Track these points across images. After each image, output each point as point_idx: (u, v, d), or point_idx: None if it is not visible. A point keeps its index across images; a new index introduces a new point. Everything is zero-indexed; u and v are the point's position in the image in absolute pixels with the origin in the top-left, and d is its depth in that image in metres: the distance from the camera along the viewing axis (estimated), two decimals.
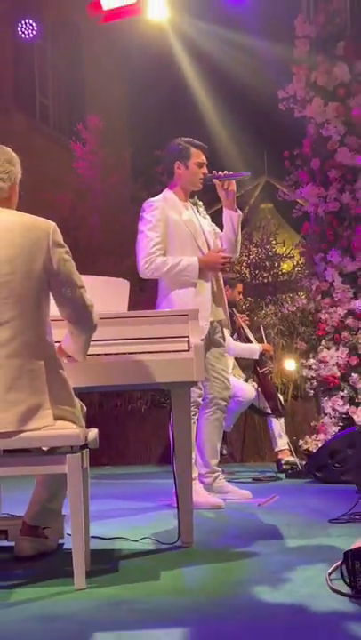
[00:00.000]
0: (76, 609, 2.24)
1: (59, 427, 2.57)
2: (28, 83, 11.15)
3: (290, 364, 6.99)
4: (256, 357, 6.00)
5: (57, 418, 2.59)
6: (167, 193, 4.33)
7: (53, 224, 2.69)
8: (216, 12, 7.59)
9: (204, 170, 4.30)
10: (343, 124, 6.46)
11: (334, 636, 1.93)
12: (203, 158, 4.31)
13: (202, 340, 3.77)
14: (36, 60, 11.24)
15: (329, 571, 2.46)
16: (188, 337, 3.09)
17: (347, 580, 2.26)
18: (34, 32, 8.22)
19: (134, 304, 3.54)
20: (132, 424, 7.57)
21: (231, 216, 4.31)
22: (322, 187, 6.51)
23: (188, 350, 3.04)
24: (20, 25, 8.10)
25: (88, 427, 2.76)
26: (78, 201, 9.27)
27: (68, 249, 2.69)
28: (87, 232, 8.86)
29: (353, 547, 2.29)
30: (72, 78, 11.93)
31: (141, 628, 2.01)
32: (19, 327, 2.56)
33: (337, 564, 2.41)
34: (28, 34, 8.21)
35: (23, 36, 8.22)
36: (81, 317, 2.73)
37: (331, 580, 2.39)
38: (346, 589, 2.25)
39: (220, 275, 4.38)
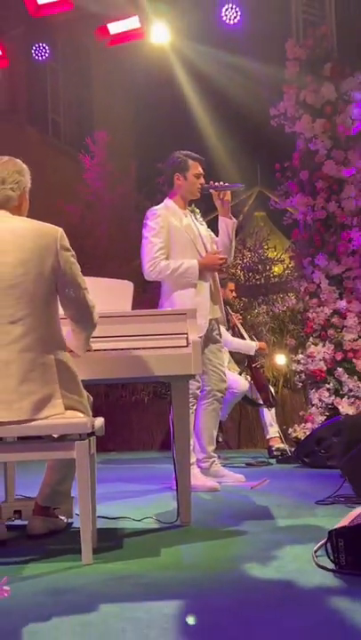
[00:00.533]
0: (84, 582, 2.24)
1: (68, 415, 2.57)
2: (41, 101, 11.15)
3: (280, 359, 7.00)
4: (252, 353, 6.00)
5: (66, 407, 2.59)
6: (168, 202, 4.33)
7: (60, 230, 2.68)
8: (213, 36, 7.59)
9: (202, 180, 4.29)
10: (330, 138, 6.46)
11: (320, 608, 1.93)
12: (200, 170, 4.31)
13: (200, 337, 3.78)
14: (49, 79, 11.24)
15: (315, 548, 2.46)
16: (186, 334, 3.10)
17: (331, 557, 2.26)
18: (47, 54, 8.20)
19: (137, 304, 3.54)
20: (136, 413, 7.58)
21: (226, 223, 4.31)
22: (310, 196, 6.52)
23: (186, 346, 3.05)
24: (34, 48, 8.09)
25: (95, 416, 2.76)
26: (87, 210, 9.29)
27: (73, 252, 2.69)
28: (95, 239, 8.88)
29: (337, 526, 2.29)
30: (81, 96, 11.93)
31: (143, 601, 2.01)
32: (31, 324, 2.56)
33: (322, 541, 2.41)
34: (42, 56, 8.19)
35: (37, 58, 8.21)
36: (83, 316, 2.73)
37: (317, 556, 2.39)
38: (330, 565, 2.26)
39: (217, 276, 4.39)
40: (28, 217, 2.79)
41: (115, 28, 7.32)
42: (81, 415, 2.61)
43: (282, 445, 5.88)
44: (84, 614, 1.90)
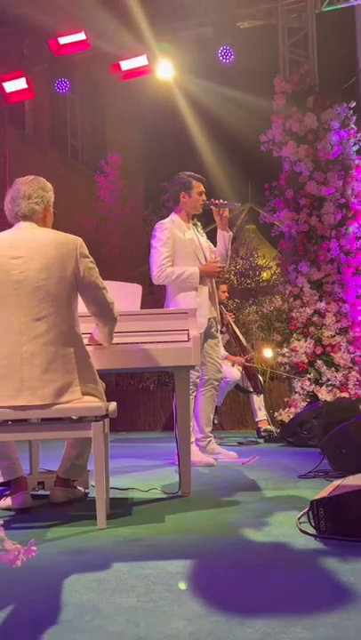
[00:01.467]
0: (98, 544, 2.25)
1: (85, 400, 2.57)
2: (62, 128, 11.15)
3: (268, 353, 7.00)
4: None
5: (83, 393, 2.59)
6: (174, 216, 4.32)
7: (80, 239, 2.68)
8: (211, 72, 7.60)
9: (204, 197, 4.29)
10: (312, 162, 6.47)
11: (303, 567, 1.94)
12: (202, 188, 4.31)
13: (200, 333, 3.78)
14: (68, 109, 11.24)
15: (298, 516, 2.47)
16: (187, 330, 3.10)
17: (312, 523, 2.27)
18: (67, 88, 8.19)
19: (145, 304, 3.53)
20: (143, 399, 7.59)
21: (224, 235, 4.31)
22: (294, 212, 6.53)
23: (187, 341, 3.05)
24: (56, 82, 8.10)
25: (108, 401, 2.77)
26: (101, 223, 9.30)
27: (92, 259, 2.69)
28: (109, 247, 8.90)
29: (318, 497, 2.30)
30: (96, 124, 11.92)
31: (150, 560, 2.01)
32: (54, 321, 2.56)
33: (305, 510, 2.42)
34: (63, 89, 8.18)
35: (58, 90, 8.20)
36: (103, 312, 2.74)
37: (300, 523, 2.39)
38: (312, 531, 2.26)
39: (214, 280, 4.39)
40: (53, 228, 2.79)
41: (126, 65, 7.36)
42: (96, 400, 2.61)
43: (269, 427, 5.88)
44: (99, 571, 1.91)
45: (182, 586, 1.77)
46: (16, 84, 7.67)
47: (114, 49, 7.29)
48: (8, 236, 2.66)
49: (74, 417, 2.60)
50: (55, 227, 2.81)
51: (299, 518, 2.44)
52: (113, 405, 2.79)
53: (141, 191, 9.74)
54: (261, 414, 5.97)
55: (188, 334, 3.08)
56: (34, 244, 2.61)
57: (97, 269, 2.69)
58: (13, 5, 7.15)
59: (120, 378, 7.60)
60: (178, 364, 3.05)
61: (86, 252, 2.67)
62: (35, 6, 7.01)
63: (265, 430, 5.87)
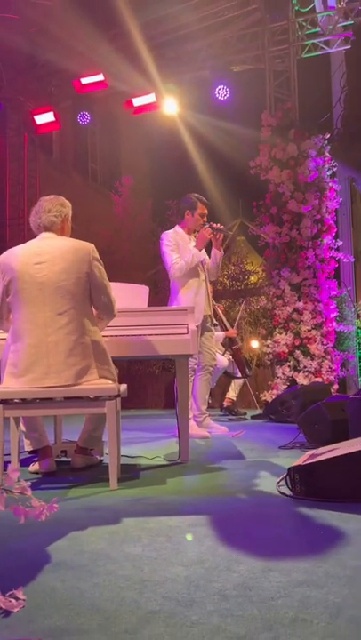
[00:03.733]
0: (111, 502, 2.26)
1: (101, 382, 2.58)
2: (83, 154, 11.11)
3: (254, 344, 6.99)
4: (220, 342, 5.92)
5: (99, 376, 2.59)
6: (178, 229, 4.31)
7: (93, 245, 2.68)
8: (209, 108, 7.58)
9: (205, 219, 4.28)
10: (293, 184, 6.45)
11: (281, 522, 1.94)
12: (205, 211, 4.29)
13: (197, 326, 3.78)
14: (89, 138, 11.20)
15: (278, 480, 2.48)
16: (187, 324, 3.09)
17: (289, 486, 2.27)
18: (88, 120, 8.17)
19: (151, 302, 3.53)
20: (149, 382, 7.59)
21: (216, 253, 4.30)
22: (278, 226, 6.51)
23: (187, 333, 3.05)
24: (79, 115, 8.08)
25: (120, 383, 2.77)
26: (115, 234, 9.30)
27: (102, 262, 2.69)
28: (122, 254, 8.89)
29: (294, 464, 2.30)
30: (113, 151, 11.88)
31: (154, 516, 2.02)
32: (73, 315, 2.57)
33: (283, 475, 2.42)
34: (84, 121, 8.16)
35: (81, 122, 8.18)
36: (107, 308, 2.73)
37: (279, 486, 2.40)
38: (289, 493, 2.27)
39: (210, 283, 4.39)
40: (72, 237, 2.79)
41: (137, 101, 7.34)
42: (110, 382, 2.61)
43: (231, 406, 5.84)
44: (111, 525, 1.92)
45: (189, 537, 1.77)
46: (45, 117, 7.66)
47: (127, 88, 7.27)
48: (33, 245, 2.67)
49: (91, 396, 2.60)
50: (76, 237, 2.81)
51: (278, 482, 2.45)
52: (124, 387, 2.79)
53: (149, 207, 9.73)
54: (231, 394, 5.93)
55: (187, 328, 3.07)
56: (55, 251, 2.61)
57: (105, 272, 2.68)
58: (43, 52, 7.14)
59: (130, 364, 7.60)
60: (178, 353, 3.05)
61: (98, 256, 2.67)
62: (61, 52, 7.00)
63: (226, 408, 5.84)
